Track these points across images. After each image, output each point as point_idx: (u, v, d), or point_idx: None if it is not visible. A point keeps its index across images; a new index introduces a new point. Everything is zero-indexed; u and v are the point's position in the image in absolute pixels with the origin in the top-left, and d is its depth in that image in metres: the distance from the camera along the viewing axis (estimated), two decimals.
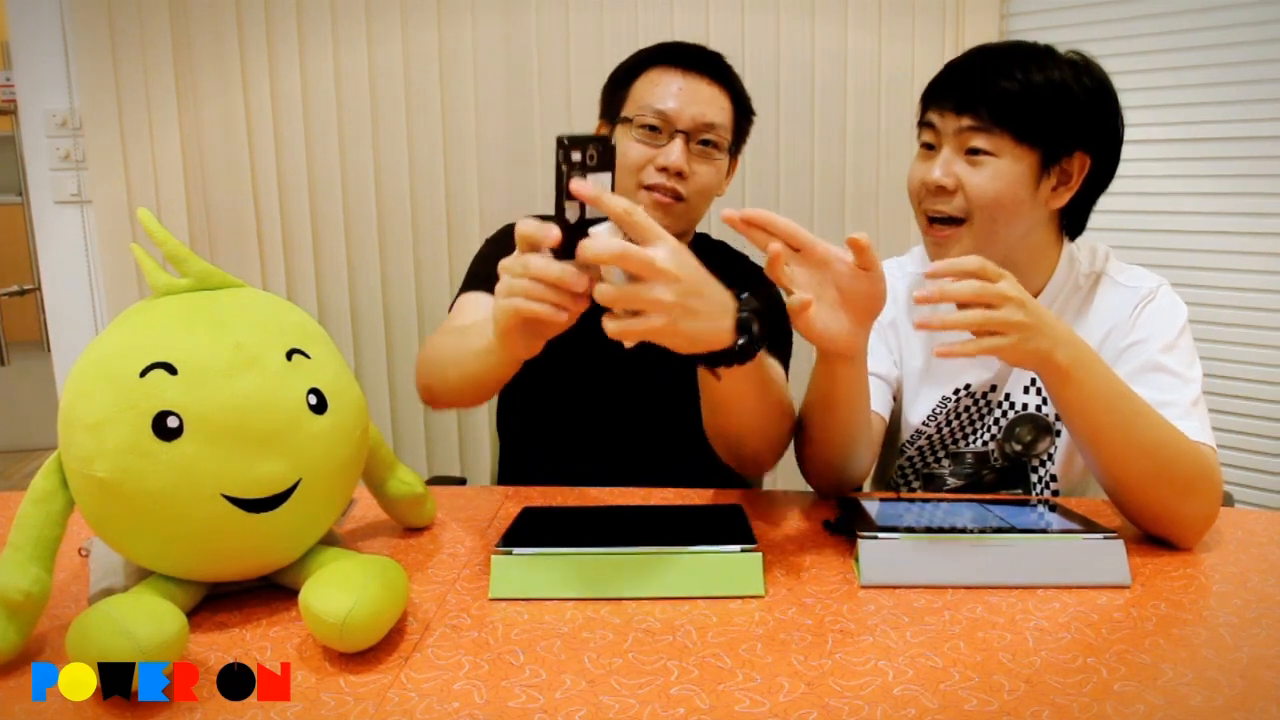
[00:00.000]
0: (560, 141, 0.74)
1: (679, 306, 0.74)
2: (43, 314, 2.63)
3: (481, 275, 1.27)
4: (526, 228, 0.76)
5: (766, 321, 0.83)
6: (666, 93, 1.23)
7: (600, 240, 0.73)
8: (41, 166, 2.11)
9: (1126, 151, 1.11)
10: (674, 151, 1.22)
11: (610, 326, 0.75)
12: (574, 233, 0.74)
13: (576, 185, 0.73)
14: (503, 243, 1.29)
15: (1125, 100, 1.09)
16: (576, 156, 0.74)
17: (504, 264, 0.78)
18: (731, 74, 1.30)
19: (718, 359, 0.83)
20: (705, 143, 1.25)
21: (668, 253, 0.74)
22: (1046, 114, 1.03)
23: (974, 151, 1.05)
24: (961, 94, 1.05)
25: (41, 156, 2.10)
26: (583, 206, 0.75)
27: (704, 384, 0.95)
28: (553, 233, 0.74)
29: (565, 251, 0.74)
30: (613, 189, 0.76)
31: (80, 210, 2.12)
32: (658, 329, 0.75)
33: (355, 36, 2.08)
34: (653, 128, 1.23)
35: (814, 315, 0.85)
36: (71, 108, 2.06)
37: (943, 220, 1.09)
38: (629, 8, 2.12)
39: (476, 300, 1.23)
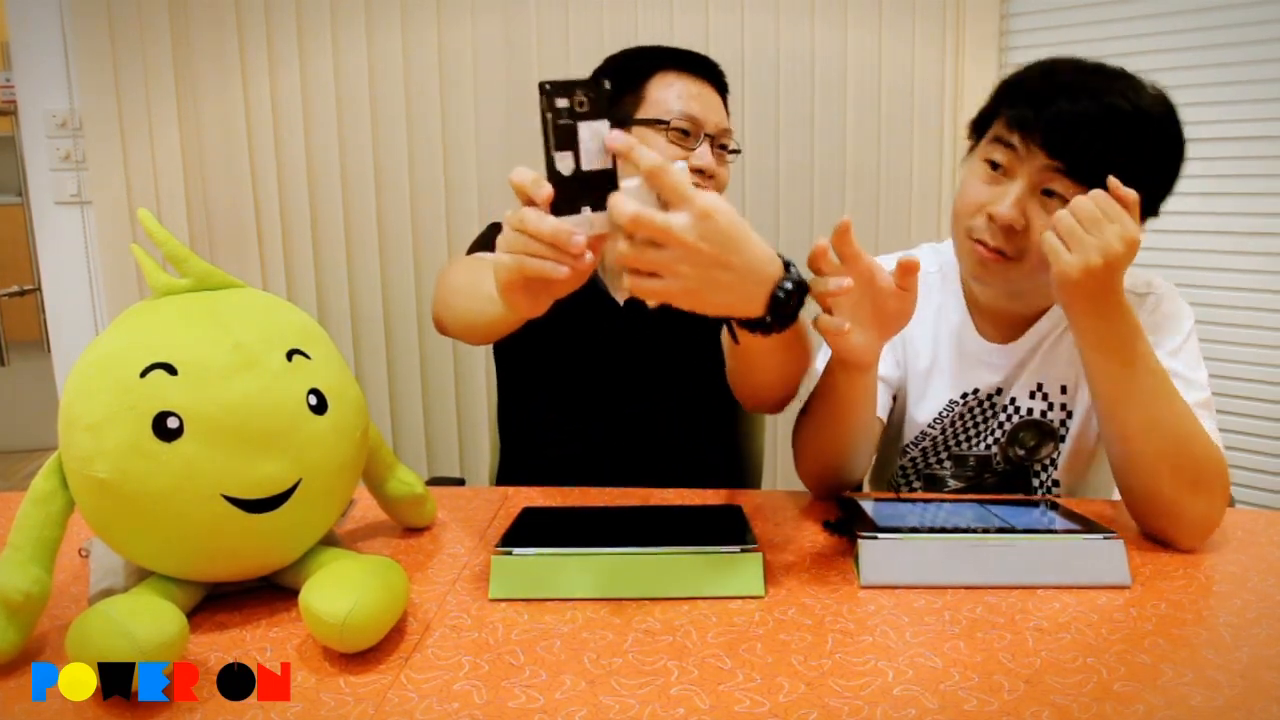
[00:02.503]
0: (543, 88, 0.69)
1: (699, 276, 0.71)
2: (43, 314, 2.63)
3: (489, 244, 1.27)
4: (518, 178, 0.71)
5: (804, 294, 0.80)
6: (691, 98, 1.26)
7: (618, 201, 0.69)
8: (41, 167, 2.11)
9: None
10: (707, 154, 1.26)
11: (626, 283, 0.72)
12: (569, 186, 0.70)
13: (612, 138, 0.69)
14: None
15: None
16: (563, 103, 0.69)
17: (505, 216, 0.73)
18: (725, 82, 1.35)
19: (743, 323, 0.81)
20: (723, 146, 1.30)
21: (689, 221, 0.69)
22: (1137, 184, 0.94)
23: (1050, 193, 0.99)
24: (1057, 134, 0.97)
25: (41, 157, 2.10)
26: (576, 157, 0.70)
27: (725, 337, 0.96)
28: (543, 191, 0.69)
29: (562, 205, 0.70)
30: None
31: (80, 211, 2.12)
32: (675, 294, 0.72)
33: (355, 37, 2.08)
34: (685, 131, 1.26)
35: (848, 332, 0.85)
36: (71, 108, 2.06)
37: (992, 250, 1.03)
38: (629, 8, 2.12)
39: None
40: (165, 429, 0.68)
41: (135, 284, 2.07)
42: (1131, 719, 0.61)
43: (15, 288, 4.22)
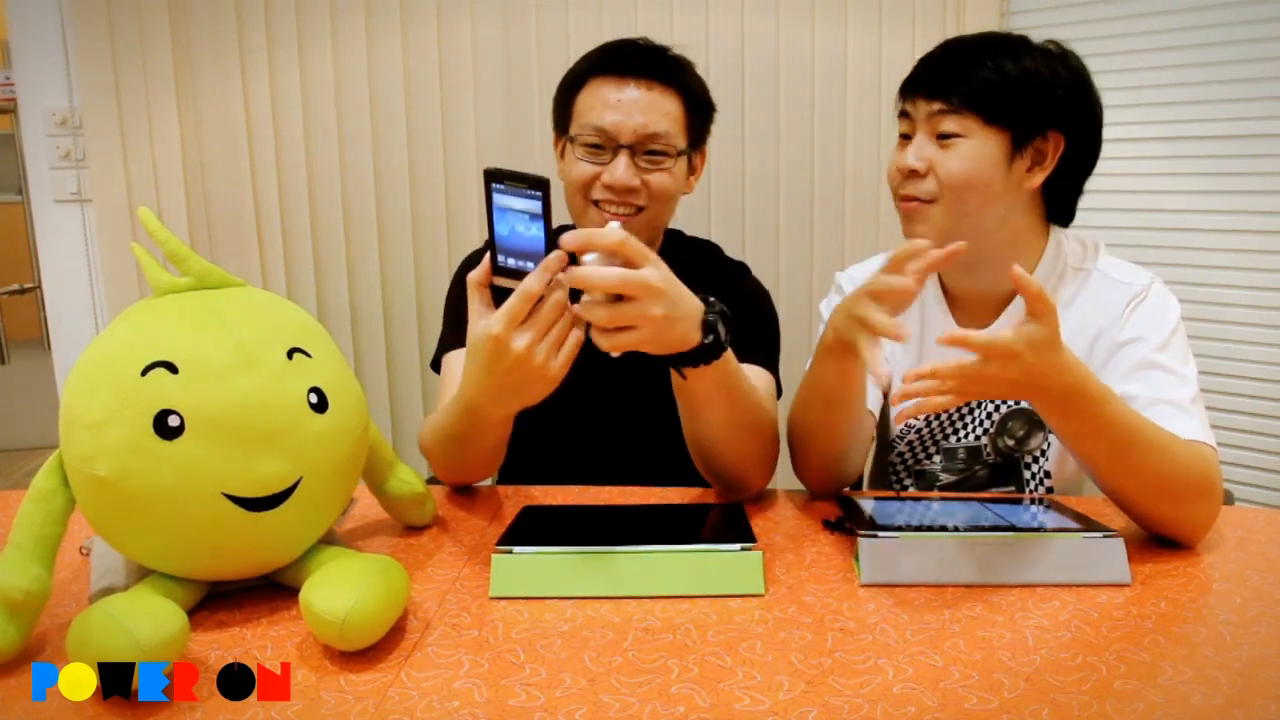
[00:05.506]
0: (547, 183, 0.79)
1: (664, 318, 0.82)
2: (43, 313, 2.63)
3: (460, 325, 1.06)
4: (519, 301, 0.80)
5: (730, 324, 0.90)
6: (605, 106, 1.18)
7: (599, 270, 0.80)
8: (41, 165, 2.10)
9: (1124, 149, 1.10)
10: (618, 169, 1.17)
11: (603, 343, 0.83)
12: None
13: (565, 238, 0.79)
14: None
15: (1123, 98, 1.09)
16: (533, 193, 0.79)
17: (521, 350, 0.81)
18: (678, 71, 1.23)
19: (687, 359, 0.89)
20: (653, 152, 1.19)
21: (657, 272, 0.81)
22: (1014, 94, 1.04)
23: (945, 135, 1.06)
24: (932, 81, 1.07)
25: (41, 155, 2.10)
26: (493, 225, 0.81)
27: (678, 392, 0.98)
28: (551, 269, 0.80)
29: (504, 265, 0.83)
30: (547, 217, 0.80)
31: (80, 209, 2.12)
32: (646, 340, 0.83)
33: (355, 36, 2.08)
34: (596, 145, 1.19)
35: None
36: (71, 106, 2.06)
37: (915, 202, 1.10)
38: (629, 8, 2.12)
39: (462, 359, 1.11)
40: (166, 427, 0.68)
41: (135, 282, 2.07)
42: (1131, 717, 0.61)
43: (15, 286, 4.22)
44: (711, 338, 0.88)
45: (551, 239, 0.80)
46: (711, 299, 0.90)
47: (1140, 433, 0.89)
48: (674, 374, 0.94)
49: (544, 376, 0.83)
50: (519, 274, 0.82)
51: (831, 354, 0.95)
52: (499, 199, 0.80)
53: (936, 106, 1.06)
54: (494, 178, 0.80)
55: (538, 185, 0.79)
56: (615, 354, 0.84)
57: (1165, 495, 0.90)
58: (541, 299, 0.81)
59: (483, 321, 0.83)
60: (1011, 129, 1.05)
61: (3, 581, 0.68)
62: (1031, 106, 1.05)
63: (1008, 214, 1.09)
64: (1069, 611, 0.77)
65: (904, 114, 1.12)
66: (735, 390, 0.97)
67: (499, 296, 0.84)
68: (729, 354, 0.93)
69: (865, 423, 1.07)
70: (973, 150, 1.05)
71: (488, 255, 0.84)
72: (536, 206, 0.79)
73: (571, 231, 0.80)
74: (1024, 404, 1.16)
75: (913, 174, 1.08)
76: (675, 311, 0.84)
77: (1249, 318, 1.98)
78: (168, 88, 2.02)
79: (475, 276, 0.85)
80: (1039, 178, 1.08)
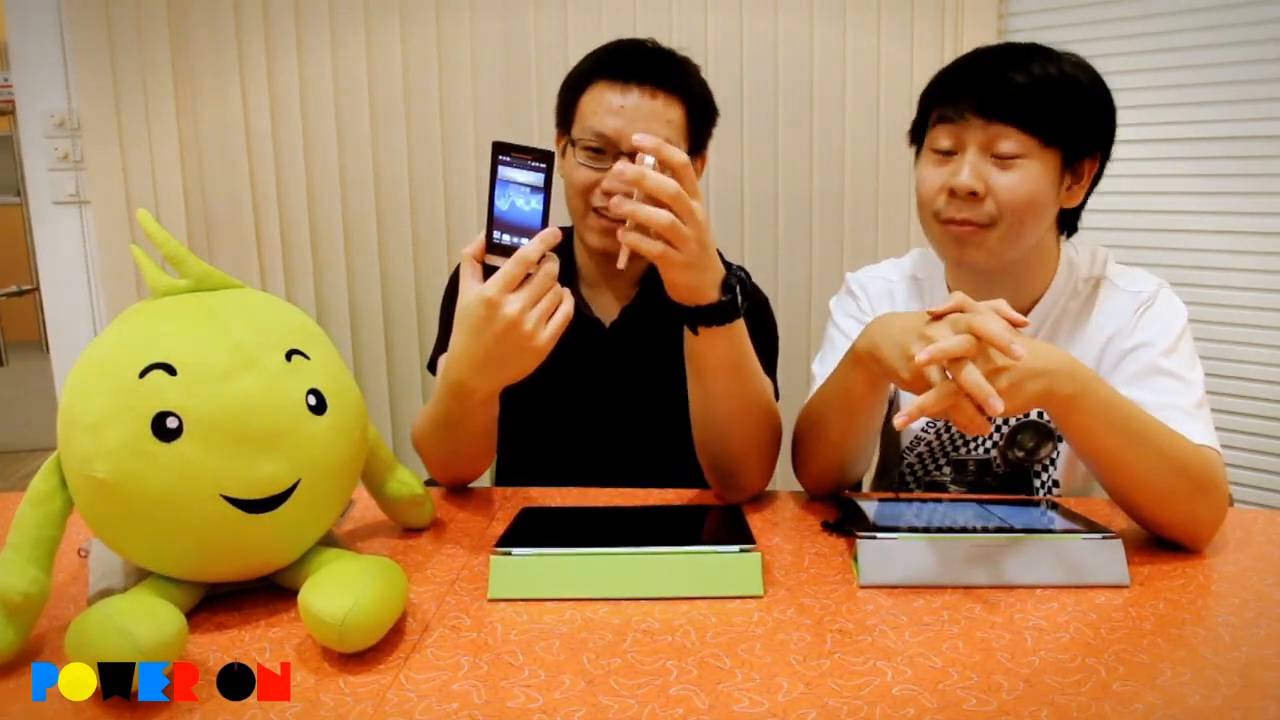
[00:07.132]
0: (550, 155, 0.83)
1: (693, 253, 0.86)
2: (41, 314, 2.62)
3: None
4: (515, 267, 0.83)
5: (747, 289, 0.94)
6: (608, 112, 1.18)
7: (660, 176, 0.83)
8: (40, 167, 2.10)
9: (1126, 151, 1.10)
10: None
11: (628, 238, 0.86)
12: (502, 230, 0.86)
13: (640, 137, 0.84)
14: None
15: (1124, 100, 1.08)
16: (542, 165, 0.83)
17: (513, 315, 0.83)
18: (682, 76, 1.23)
19: (701, 315, 0.92)
20: None
21: (702, 208, 0.86)
22: (1068, 114, 1.02)
23: (1002, 155, 1.02)
24: (984, 96, 1.02)
25: (40, 157, 2.10)
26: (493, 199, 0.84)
27: (689, 357, 0.98)
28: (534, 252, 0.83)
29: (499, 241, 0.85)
30: (547, 194, 0.84)
31: (79, 210, 2.12)
32: (668, 257, 0.86)
33: (353, 37, 2.08)
34: (597, 150, 1.19)
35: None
36: (70, 108, 2.06)
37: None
38: (628, 7, 2.12)
39: None
40: (164, 429, 0.68)
41: (134, 284, 2.07)
42: (1130, 718, 0.61)
43: (14, 288, 4.21)
44: (729, 297, 0.91)
45: (548, 213, 0.84)
46: (735, 264, 0.94)
47: (1152, 426, 0.90)
48: (687, 334, 0.95)
49: (532, 346, 0.84)
50: (513, 250, 0.84)
51: (860, 365, 0.94)
52: (503, 171, 0.83)
53: (995, 125, 1.01)
54: (502, 150, 0.83)
55: (543, 158, 0.82)
56: (627, 251, 0.86)
57: (1177, 495, 0.90)
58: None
59: (476, 287, 0.84)
60: (1063, 149, 1.03)
61: (1, 583, 0.68)
62: (1081, 126, 1.03)
63: (1043, 233, 1.08)
64: (1068, 613, 0.77)
65: (940, 122, 1.06)
66: (745, 366, 0.99)
67: (491, 275, 0.85)
68: (742, 328, 0.95)
69: (878, 431, 1.07)
70: (1035, 171, 1.02)
71: (483, 230, 0.86)
72: (540, 179, 0.83)
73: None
74: (1032, 416, 1.16)
75: (971, 195, 1.03)
76: (703, 252, 0.87)
77: (1249, 319, 1.98)
78: (166, 89, 2.02)
79: (470, 250, 0.87)
80: (1078, 196, 1.07)
